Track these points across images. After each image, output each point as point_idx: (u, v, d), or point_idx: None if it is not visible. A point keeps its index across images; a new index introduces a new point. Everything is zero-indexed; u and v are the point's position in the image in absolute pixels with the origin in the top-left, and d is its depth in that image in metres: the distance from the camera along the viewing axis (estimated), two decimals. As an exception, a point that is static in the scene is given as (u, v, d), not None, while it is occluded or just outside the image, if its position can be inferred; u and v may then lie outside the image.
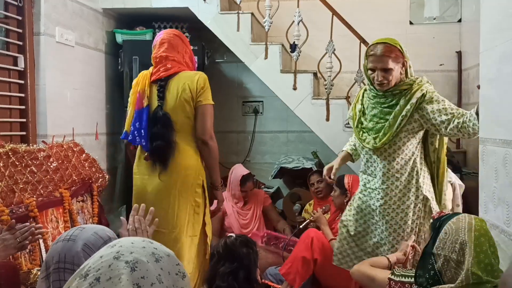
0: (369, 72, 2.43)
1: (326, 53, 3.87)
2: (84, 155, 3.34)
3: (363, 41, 3.80)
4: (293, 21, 3.89)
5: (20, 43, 3.22)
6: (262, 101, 4.93)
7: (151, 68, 2.67)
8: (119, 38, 4.27)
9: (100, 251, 0.96)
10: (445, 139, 2.62)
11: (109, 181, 3.54)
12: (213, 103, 2.60)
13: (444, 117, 2.31)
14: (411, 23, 4.67)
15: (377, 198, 2.52)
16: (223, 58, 4.85)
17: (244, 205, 3.93)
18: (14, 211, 2.57)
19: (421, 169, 2.49)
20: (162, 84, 2.57)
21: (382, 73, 2.37)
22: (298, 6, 3.88)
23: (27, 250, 2.55)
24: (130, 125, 2.61)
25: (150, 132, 2.54)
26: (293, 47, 3.97)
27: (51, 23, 3.40)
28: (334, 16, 3.80)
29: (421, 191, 2.46)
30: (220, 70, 4.94)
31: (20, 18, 3.21)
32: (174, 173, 2.55)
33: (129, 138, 2.61)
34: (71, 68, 3.67)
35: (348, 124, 2.82)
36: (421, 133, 2.47)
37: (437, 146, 2.55)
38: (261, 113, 4.93)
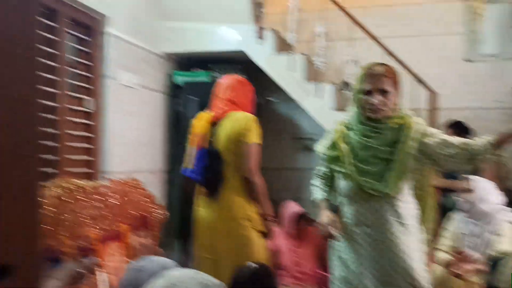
0: (362, 95, 2.13)
1: (379, 91, 3.87)
2: (143, 191, 3.47)
3: (418, 79, 3.78)
4: (347, 61, 3.94)
5: (89, 86, 3.46)
6: (314, 139, 4.95)
7: (206, 112, 2.88)
8: (178, 79, 4.49)
9: (155, 283, 1.02)
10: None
11: (166, 216, 3.65)
12: (259, 142, 2.69)
13: (449, 150, 2.06)
14: (467, 60, 4.59)
15: (373, 247, 2.17)
16: (276, 97, 4.95)
17: (298, 243, 3.91)
18: (77, 244, 2.71)
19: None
20: (216, 123, 2.76)
21: (379, 96, 2.09)
22: (351, 46, 3.94)
23: (89, 282, 2.66)
24: (188, 162, 2.81)
25: (204, 167, 2.73)
26: (347, 85, 4.01)
27: (117, 67, 3.64)
28: (389, 55, 3.82)
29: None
30: (273, 108, 5.04)
31: (89, 63, 3.46)
32: (224, 207, 2.72)
33: (187, 173, 2.81)
34: (134, 108, 3.89)
35: (319, 169, 2.41)
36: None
37: (421, 178, 2.35)
38: (313, 150, 4.94)
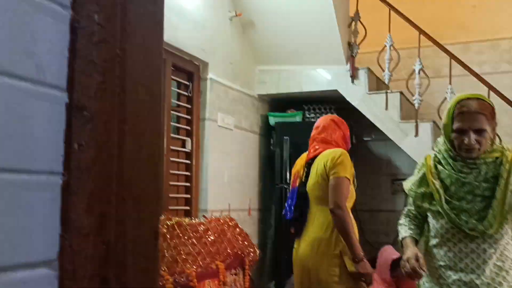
0: (454, 134, 1.92)
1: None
2: (238, 229, 3.53)
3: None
4: (445, 98, 3.79)
5: (188, 127, 3.65)
6: (412, 180, 4.75)
7: (305, 154, 2.93)
8: (272, 120, 4.59)
9: None
10: None
11: (259, 256, 3.67)
12: (348, 176, 2.63)
13: None
14: None
15: None
16: (371, 137, 4.86)
17: (395, 290, 3.72)
18: (177, 280, 2.80)
19: None
20: (309, 162, 2.79)
21: (475, 136, 1.88)
22: (450, 83, 3.80)
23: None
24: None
25: (292, 206, 2.79)
26: (446, 124, 3.84)
27: (214, 109, 3.82)
28: (490, 90, 3.63)
29: None
30: (368, 148, 4.95)
31: (189, 106, 3.67)
32: (309, 244, 2.70)
33: (283, 213, 2.88)
34: (230, 149, 4.02)
35: (408, 208, 2.17)
36: None
37: None
38: (412, 191, 4.74)
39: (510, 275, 1.90)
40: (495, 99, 3.61)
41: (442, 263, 1.98)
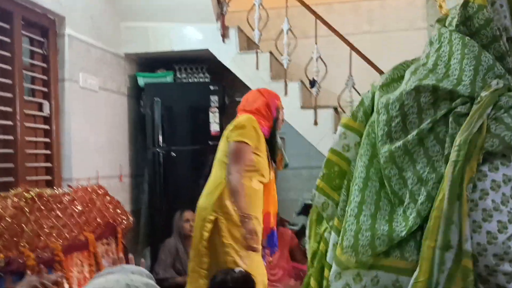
0: None
1: (346, 87, 3.88)
2: (108, 197, 3.34)
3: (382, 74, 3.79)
4: (312, 58, 3.92)
5: (46, 89, 3.30)
6: (284, 138, 4.91)
7: None
8: (141, 81, 4.36)
9: None
10: None
11: (133, 223, 3.53)
12: (244, 141, 2.61)
13: None
14: (430, 55, 4.64)
15: None
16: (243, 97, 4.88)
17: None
18: (40, 255, 2.57)
19: None
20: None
21: None
22: (316, 43, 3.92)
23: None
24: None
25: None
26: (313, 83, 3.99)
27: (75, 69, 3.50)
28: (352, 51, 3.82)
29: None
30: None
31: (45, 65, 3.31)
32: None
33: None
34: (95, 112, 3.74)
35: None
36: None
37: None
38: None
39: None
40: (356, 59, 3.82)
41: None
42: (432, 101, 1.31)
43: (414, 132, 1.31)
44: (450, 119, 1.27)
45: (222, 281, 2.18)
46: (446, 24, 1.42)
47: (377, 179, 1.36)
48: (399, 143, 1.32)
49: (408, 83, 1.37)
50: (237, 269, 2.24)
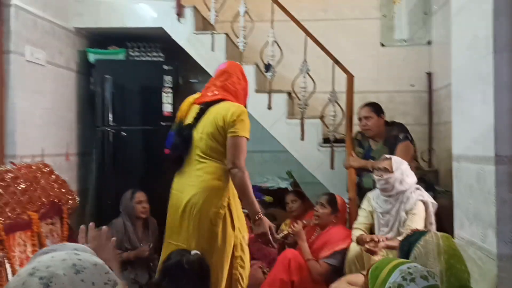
0: None
1: (300, 73, 3.91)
2: (53, 176, 3.24)
3: (336, 61, 3.85)
4: (267, 42, 3.92)
5: (-11, 61, 3.14)
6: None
7: (197, 94, 2.78)
8: (92, 57, 4.22)
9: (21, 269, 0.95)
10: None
11: (79, 202, 3.45)
12: (246, 136, 2.56)
13: None
14: (382, 45, 4.76)
15: None
16: (197, 78, 4.84)
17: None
18: (-21, 235, 2.47)
19: None
20: (203, 108, 2.64)
21: None
22: (272, 27, 3.92)
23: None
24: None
25: (174, 143, 2.65)
26: (268, 67, 4.00)
27: (21, 42, 3.33)
28: (307, 37, 3.85)
29: None
30: (194, 90, 4.92)
31: (-11, 36, 3.14)
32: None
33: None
34: (41, 87, 3.59)
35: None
36: None
37: None
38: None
39: None
40: (312, 46, 3.86)
41: None
42: None
43: None
44: None
45: (176, 263, 2.16)
46: None
47: None
48: None
49: None
50: (193, 252, 2.22)
